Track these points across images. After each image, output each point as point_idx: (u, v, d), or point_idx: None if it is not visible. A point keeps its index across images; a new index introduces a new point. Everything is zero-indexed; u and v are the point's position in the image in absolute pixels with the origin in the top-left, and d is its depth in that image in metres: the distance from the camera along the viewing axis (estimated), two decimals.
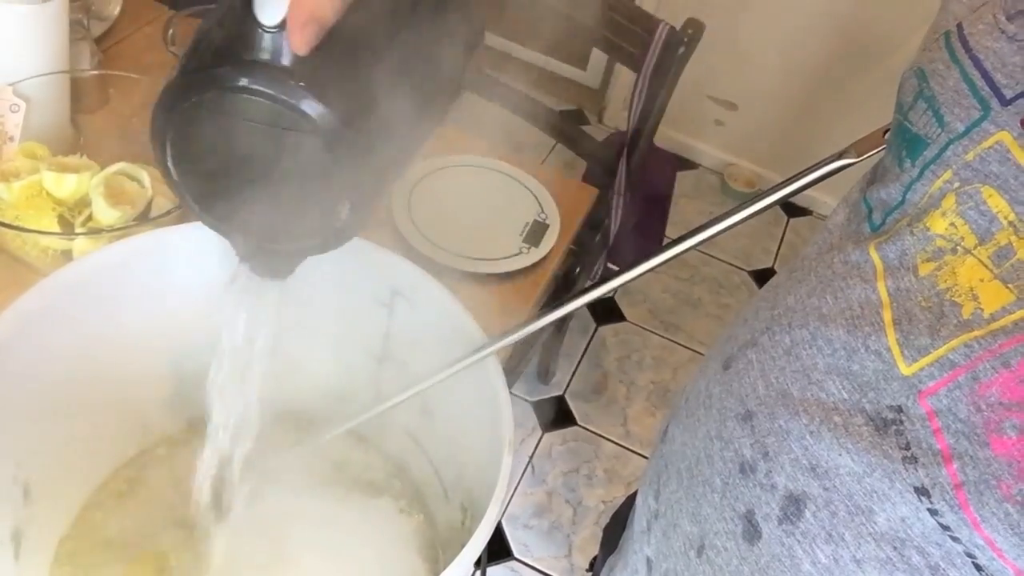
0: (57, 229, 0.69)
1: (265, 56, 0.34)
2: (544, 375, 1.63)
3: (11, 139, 0.72)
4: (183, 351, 0.55)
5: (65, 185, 0.69)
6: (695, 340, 1.80)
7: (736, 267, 1.99)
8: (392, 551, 0.57)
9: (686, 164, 2.24)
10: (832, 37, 1.89)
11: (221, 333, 0.45)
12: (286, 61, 0.34)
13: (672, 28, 1.05)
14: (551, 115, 1.27)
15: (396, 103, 0.38)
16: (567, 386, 1.66)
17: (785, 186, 0.39)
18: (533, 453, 1.54)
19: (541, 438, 1.57)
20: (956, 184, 0.33)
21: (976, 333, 0.31)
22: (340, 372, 0.60)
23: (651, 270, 0.45)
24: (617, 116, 2.27)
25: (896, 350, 0.33)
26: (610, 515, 0.68)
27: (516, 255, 0.82)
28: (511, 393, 1.52)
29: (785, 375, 0.37)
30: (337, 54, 0.35)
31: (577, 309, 0.47)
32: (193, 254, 0.52)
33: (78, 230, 0.68)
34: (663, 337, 1.79)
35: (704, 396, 0.43)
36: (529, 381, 1.63)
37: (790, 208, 2.17)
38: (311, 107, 0.34)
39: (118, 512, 0.54)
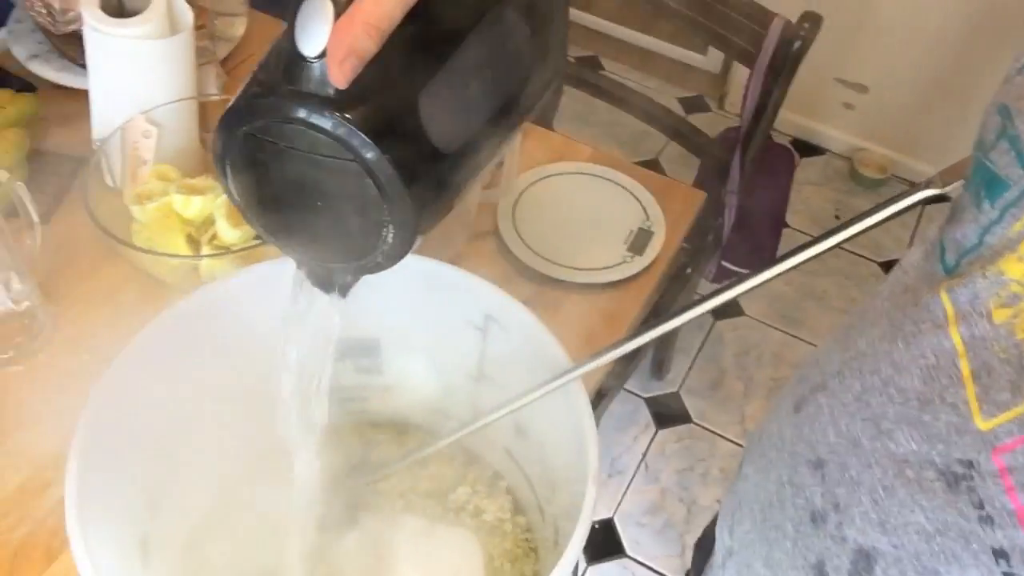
0: (186, 248, 0.74)
1: (309, 86, 0.35)
2: (658, 370, 1.61)
3: (145, 163, 0.78)
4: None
5: (192, 206, 0.74)
6: (819, 336, 1.73)
7: (865, 258, 1.90)
8: (492, 565, 0.59)
9: (812, 150, 2.16)
10: (969, 14, 1.77)
11: (285, 348, 0.47)
12: (329, 91, 0.35)
13: (788, 22, 1.02)
14: (664, 111, 1.25)
15: (445, 134, 0.38)
16: (682, 382, 1.64)
17: (865, 218, 0.37)
18: (647, 450, 1.53)
19: (655, 435, 1.56)
20: None
21: None
22: (440, 389, 0.62)
23: (742, 294, 0.44)
24: (738, 102, 2.20)
25: (974, 404, 0.32)
26: None
27: (620, 264, 0.82)
28: (625, 389, 1.52)
29: (855, 423, 0.36)
30: (383, 82, 0.35)
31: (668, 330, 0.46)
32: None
33: (204, 251, 0.73)
34: (784, 332, 1.74)
35: (776, 438, 0.42)
36: (643, 376, 1.63)
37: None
38: (350, 136, 0.35)
39: (232, 527, 0.58)
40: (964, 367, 0.32)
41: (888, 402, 0.35)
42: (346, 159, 0.36)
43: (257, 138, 0.37)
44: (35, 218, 0.72)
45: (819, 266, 1.87)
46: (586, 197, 0.88)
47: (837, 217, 2.01)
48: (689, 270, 1.25)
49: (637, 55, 2.32)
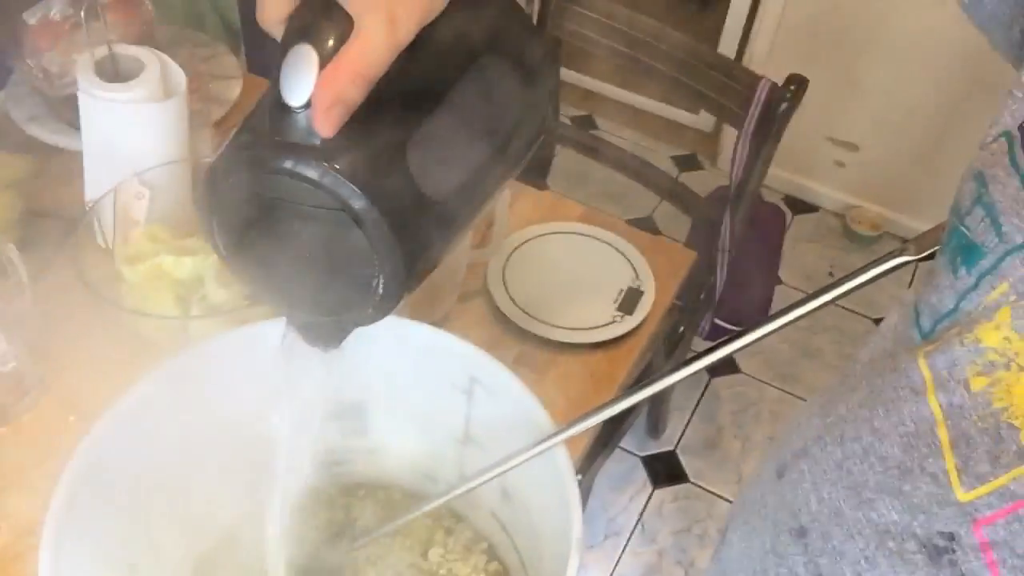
0: (175, 309, 0.74)
1: (295, 136, 0.34)
2: (654, 429, 1.60)
3: (136, 224, 0.78)
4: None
5: (183, 267, 0.74)
6: (815, 393, 1.72)
7: (859, 314, 1.90)
8: None
9: (805, 207, 2.17)
10: (958, 75, 1.80)
11: (275, 399, 0.47)
12: (315, 140, 0.34)
13: (774, 84, 1.03)
14: (655, 172, 1.27)
15: (433, 183, 0.37)
16: (679, 441, 1.63)
17: (840, 285, 0.38)
18: (643, 511, 1.51)
19: (651, 495, 1.54)
20: (1012, 297, 0.31)
21: None
22: (427, 452, 0.61)
23: (733, 352, 0.44)
24: (729, 161, 2.23)
25: (954, 475, 0.31)
26: None
27: (609, 324, 0.82)
28: (620, 448, 1.50)
29: (837, 491, 0.36)
30: (370, 131, 0.35)
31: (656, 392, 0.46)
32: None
33: (193, 311, 0.73)
34: (780, 390, 1.73)
35: (759, 504, 0.42)
36: (638, 435, 1.61)
37: None
38: (337, 186, 0.34)
39: None
40: (943, 435, 0.32)
41: (869, 470, 0.35)
42: (334, 209, 0.35)
43: (243, 191, 0.37)
44: (24, 279, 0.72)
45: (813, 323, 1.87)
46: (576, 256, 0.89)
47: (831, 274, 2.01)
48: (682, 328, 1.25)
49: (631, 114, 2.35)
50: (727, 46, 2.09)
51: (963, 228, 0.34)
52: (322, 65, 0.33)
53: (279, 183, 0.35)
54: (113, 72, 0.78)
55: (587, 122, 2.36)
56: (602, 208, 0.98)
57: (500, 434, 0.54)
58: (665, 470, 1.58)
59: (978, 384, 0.31)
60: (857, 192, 2.12)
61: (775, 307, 1.79)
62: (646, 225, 2.02)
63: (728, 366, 1.76)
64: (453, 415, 0.57)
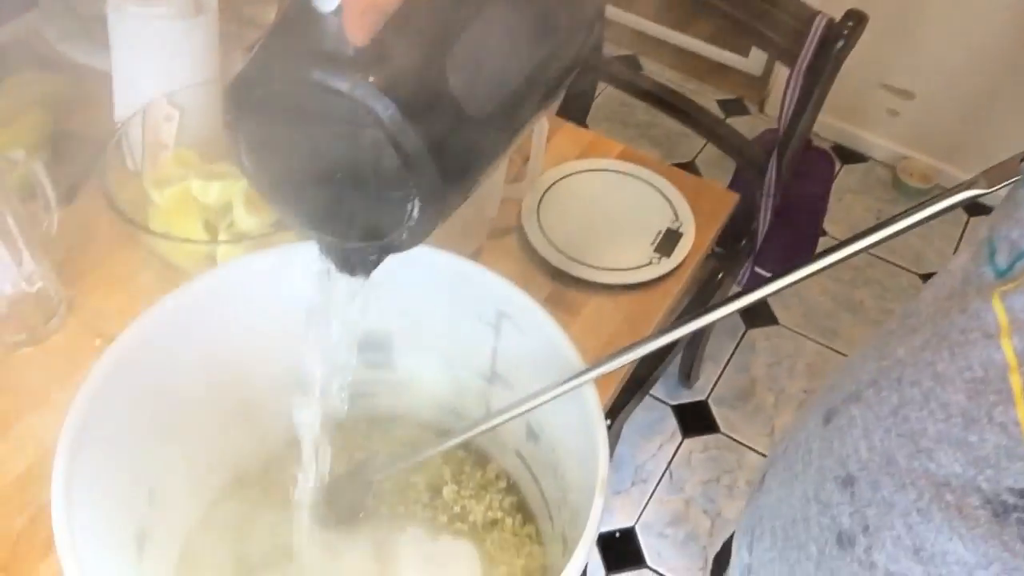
0: (203, 234, 0.73)
1: (324, 45, 0.31)
2: (686, 378, 1.58)
3: (165, 147, 0.77)
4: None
5: (211, 192, 0.73)
6: (854, 348, 1.69)
7: (905, 269, 1.85)
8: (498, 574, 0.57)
9: (854, 157, 2.10)
10: (1019, 22, 1.71)
11: (308, 331, 0.45)
12: (347, 50, 0.31)
13: (831, 20, 0.98)
14: (701, 112, 1.22)
15: (474, 98, 0.34)
16: (711, 391, 1.60)
17: (904, 217, 0.34)
18: (672, 459, 1.50)
19: (681, 444, 1.52)
20: None
21: None
22: (452, 388, 0.60)
23: (772, 294, 0.41)
24: (779, 106, 2.16)
25: None
26: None
27: (646, 265, 0.79)
28: (651, 396, 1.48)
29: (891, 438, 0.33)
30: (406, 40, 0.32)
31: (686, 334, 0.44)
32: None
33: (221, 237, 0.72)
34: (819, 343, 1.70)
35: (803, 450, 0.39)
36: (670, 383, 1.59)
37: (972, 206, 1.99)
38: (372, 100, 0.31)
39: (234, 522, 0.56)
40: (1016, 383, 0.29)
41: (929, 417, 0.32)
42: (367, 126, 0.32)
43: (271, 105, 0.34)
44: (52, 199, 0.71)
45: (856, 276, 1.82)
46: (614, 195, 0.86)
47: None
48: (721, 275, 1.22)
49: (676, 55, 2.28)
50: None
51: None
52: None
53: (309, 96, 0.32)
54: None
55: (631, 62, 2.29)
56: (644, 152, 0.94)
57: (527, 372, 0.52)
58: (696, 420, 1.56)
59: None
60: (909, 142, 2.04)
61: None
62: (689, 170, 1.97)
63: (766, 317, 1.73)
64: (480, 350, 0.55)
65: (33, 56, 0.91)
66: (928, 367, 0.33)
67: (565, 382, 0.44)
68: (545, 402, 0.44)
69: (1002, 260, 0.32)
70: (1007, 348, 0.30)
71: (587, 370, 0.44)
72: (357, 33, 0.30)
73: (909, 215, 0.34)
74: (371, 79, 0.31)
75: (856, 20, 0.96)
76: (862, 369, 0.38)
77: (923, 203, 0.34)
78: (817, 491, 0.37)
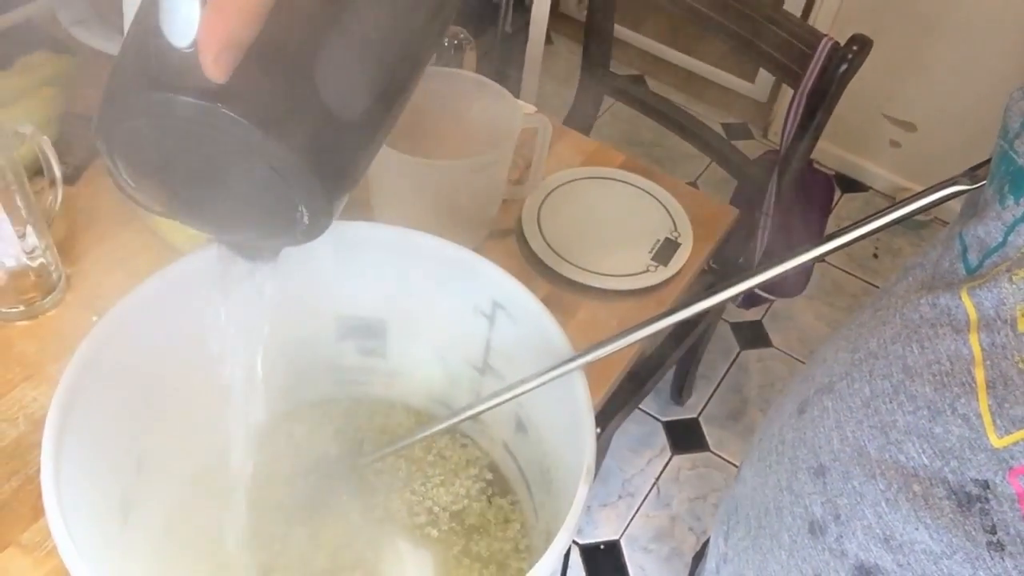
0: None
1: (184, 79, 0.30)
2: (679, 395, 1.58)
3: None
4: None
5: None
6: None
7: None
8: (487, 570, 0.57)
9: (854, 186, 2.12)
10: (1022, 59, 1.73)
11: (220, 322, 0.44)
12: (208, 83, 0.30)
13: (835, 44, 0.99)
14: (706, 130, 1.23)
15: (343, 103, 0.33)
16: (702, 409, 1.61)
17: (892, 211, 0.35)
18: (660, 475, 1.50)
19: (670, 460, 1.53)
20: None
21: None
22: (445, 379, 0.60)
23: (756, 285, 0.42)
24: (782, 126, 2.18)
25: (987, 417, 0.29)
26: None
27: (643, 272, 0.80)
28: (640, 408, 1.48)
29: (862, 429, 0.34)
30: (268, 59, 0.31)
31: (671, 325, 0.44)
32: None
33: None
34: None
35: (777, 441, 0.40)
36: (662, 400, 1.59)
37: None
38: (242, 132, 0.31)
39: (218, 493, 0.57)
40: (979, 376, 0.30)
41: (898, 409, 0.33)
42: (240, 151, 0.32)
43: (142, 136, 0.33)
44: (58, 175, 0.71)
45: (852, 302, 1.83)
46: (614, 202, 0.87)
47: (875, 255, 1.96)
48: None
49: (683, 78, 2.30)
50: (793, 6, 2.02)
51: (1012, 153, 0.31)
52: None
53: (179, 128, 0.31)
54: None
55: (638, 82, 2.31)
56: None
57: (520, 363, 0.53)
58: (686, 437, 1.56)
59: None
60: (910, 174, 2.06)
61: (812, 284, 1.75)
62: None
63: (760, 339, 1.73)
64: (473, 341, 0.56)
65: (46, 38, 0.91)
66: (898, 360, 0.33)
67: (555, 367, 0.44)
68: (535, 387, 0.45)
69: (973, 257, 0.33)
70: (974, 342, 0.30)
71: (577, 356, 0.44)
72: (216, 73, 0.29)
73: (894, 209, 0.35)
74: (240, 111, 0.30)
75: (860, 45, 0.97)
76: (835, 361, 0.38)
77: (911, 197, 0.35)
78: (790, 481, 0.37)
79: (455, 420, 0.49)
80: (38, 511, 0.60)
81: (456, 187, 0.73)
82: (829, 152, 2.09)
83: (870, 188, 2.11)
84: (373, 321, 0.58)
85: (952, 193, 0.34)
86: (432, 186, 0.72)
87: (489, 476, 0.61)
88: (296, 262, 0.44)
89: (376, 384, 0.63)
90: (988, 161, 0.35)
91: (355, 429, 0.63)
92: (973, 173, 0.35)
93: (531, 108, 0.92)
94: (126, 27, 0.78)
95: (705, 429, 1.58)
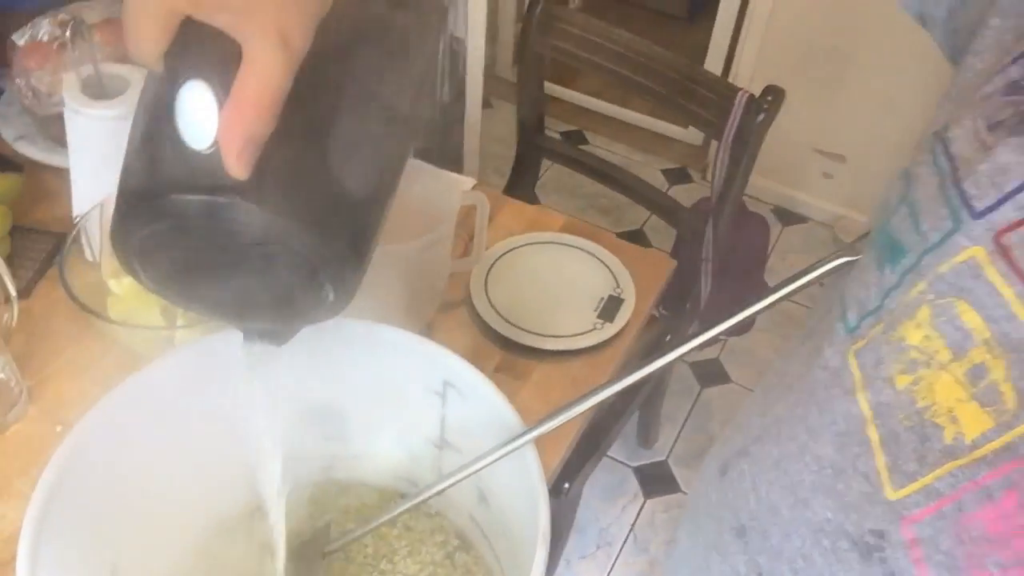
0: (161, 320, 0.75)
1: (207, 179, 0.31)
2: (645, 439, 1.61)
3: None
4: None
5: None
6: None
7: None
8: None
9: (794, 218, 2.19)
10: (943, 86, 1.82)
11: (249, 412, 0.47)
12: (229, 181, 0.31)
13: (751, 96, 1.05)
14: (642, 184, 1.28)
15: (359, 179, 0.35)
16: (670, 450, 1.63)
17: (785, 285, 0.39)
18: (635, 521, 1.52)
19: (644, 505, 1.54)
20: (931, 296, 0.31)
21: (960, 462, 0.29)
22: (405, 457, 0.62)
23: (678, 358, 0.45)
24: None
25: (884, 474, 0.32)
26: None
27: (590, 331, 0.83)
28: (608, 456, 1.50)
29: (774, 490, 0.37)
30: (285, 152, 0.32)
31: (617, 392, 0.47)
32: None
33: (178, 323, 0.75)
34: None
35: (704, 501, 0.43)
36: (629, 445, 1.62)
37: None
38: (269, 224, 0.32)
39: None
40: (873, 435, 0.33)
41: (805, 469, 0.35)
42: (268, 245, 0.33)
43: (158, 239, 0.34)
44: (12, 292, 0.73)
45: (801, 331, 1.88)
46: (557, 266, 0.90)
47: (821, 284, 2.02)
48: (669, 337, 1.26)
49: (621, 129, 2.37)
50: (714, 61, 2.12)
51: (888, 227, 0.35)
52: (219, 101, 0.31)
53: (201, 227, 0.33)
54: (99, 90, 0.80)
55: (577, 137, 2.38)
56: (593, 221, 0.99)
57: (475, 438, 0.55)
58: (657, 480, 1.58)
59: (903, 382, 0.32)
60: (845, 202, 2.14)
61: (763, 321, 1.80)
62: (637, 237, 2.03)
63: (719, 376, 1.77)
64: (429, 419, 0.58)
65: None
66: (801, 422, 0.36)
67: (506, 444, 0.47)
68: (487, 465, 0.47)
69: (852, 317, 0.36)
70: (862, 402, 0.33)
71: (526, 431, 0.47)
72: (239, 170, 0.30)
73: (793, 280, 0.39)
74: (266, 205, 0.32)
75: (774, 95, 1.03)
76: (748, 425, 0.41)
77: (804, 270, 0.39)
78: (716, 541, 0.40)
79: (416, 501, 0.51)
80: None
81: (405, 268, 0.76)
82: (767, 188, 2.17)
83: (809, 219, 2.19)
84: (332, 408, 0.61)
85: (839, 264, 0.38)
86: (382, 269, 0.75)
87: (456, 542, 0.63)
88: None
89: (340, 468, 0.65)
90: (868, 234, 0.38)
91: (321, 512, 0.65)
92: (853, 245, 0.38)
93: (469, 182, 0.96)
94: (69, 140, 0.81)
95: (675, 471, 1.60)
